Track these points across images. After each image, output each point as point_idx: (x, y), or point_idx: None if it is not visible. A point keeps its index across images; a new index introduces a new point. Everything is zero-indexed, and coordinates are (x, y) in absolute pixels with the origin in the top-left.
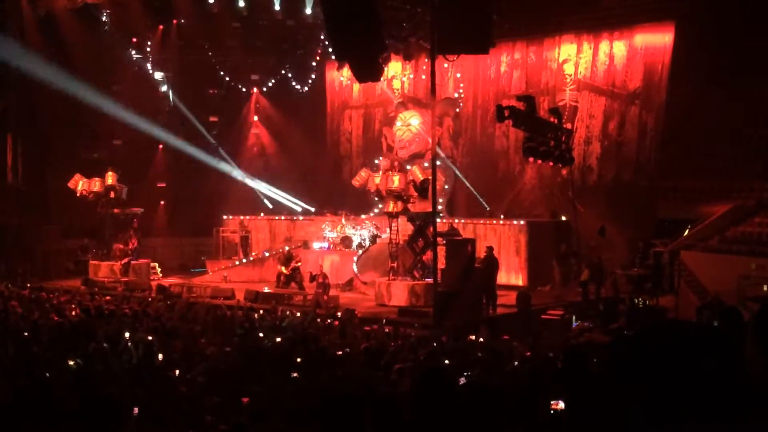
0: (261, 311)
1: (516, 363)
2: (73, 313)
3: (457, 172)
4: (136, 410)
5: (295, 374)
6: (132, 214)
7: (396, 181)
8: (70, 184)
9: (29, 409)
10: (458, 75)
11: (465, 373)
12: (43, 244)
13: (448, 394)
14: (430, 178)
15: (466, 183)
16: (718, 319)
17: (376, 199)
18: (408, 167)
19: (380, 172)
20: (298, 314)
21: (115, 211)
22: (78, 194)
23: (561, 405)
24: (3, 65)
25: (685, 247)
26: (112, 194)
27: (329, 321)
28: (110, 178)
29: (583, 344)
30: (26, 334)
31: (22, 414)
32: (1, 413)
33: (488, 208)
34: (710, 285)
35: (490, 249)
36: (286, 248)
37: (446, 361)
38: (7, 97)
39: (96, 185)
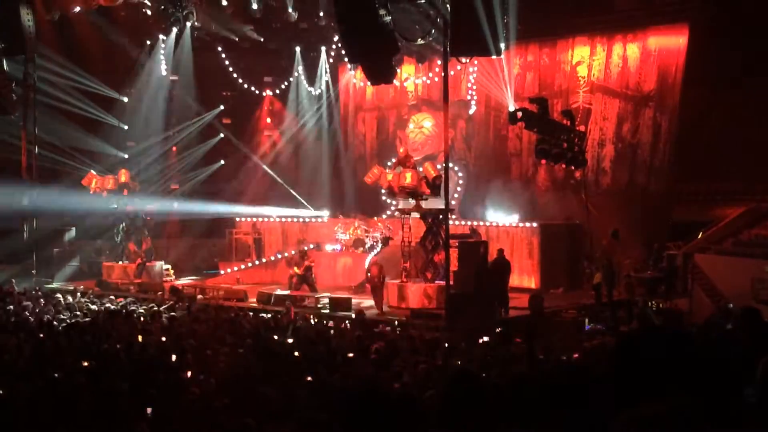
0: (273, 313)
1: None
2: (88, 314)
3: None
4: (149, 410)
5: (309, 378)
6: (145, 212)
7: (408, 177)
8: (84, 182)
9: (44, 410)
10: (471, 77)
11: (482, 375)
12: (56, 246)
13: (478, 397)
14: (442, 174)
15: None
16: (739, 319)
17: (388, 200)
18: (420, 168)
19: (392, 169)
20: (311, 316)
21: (128, 208)
22: (92, 191)
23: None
24: (19, 68)
25: (698, 249)
26: (126, 191)
27: (340, 323)
28: (123, 175)
29: (597, 346)
30: (41, 335)
31: (37, 414)
32: (16, 413)
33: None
34: (724, 288)
35: (500, 251)
36: (304, 248)
37: (458, 362)
38: (22, 98)
39: (109, 183)
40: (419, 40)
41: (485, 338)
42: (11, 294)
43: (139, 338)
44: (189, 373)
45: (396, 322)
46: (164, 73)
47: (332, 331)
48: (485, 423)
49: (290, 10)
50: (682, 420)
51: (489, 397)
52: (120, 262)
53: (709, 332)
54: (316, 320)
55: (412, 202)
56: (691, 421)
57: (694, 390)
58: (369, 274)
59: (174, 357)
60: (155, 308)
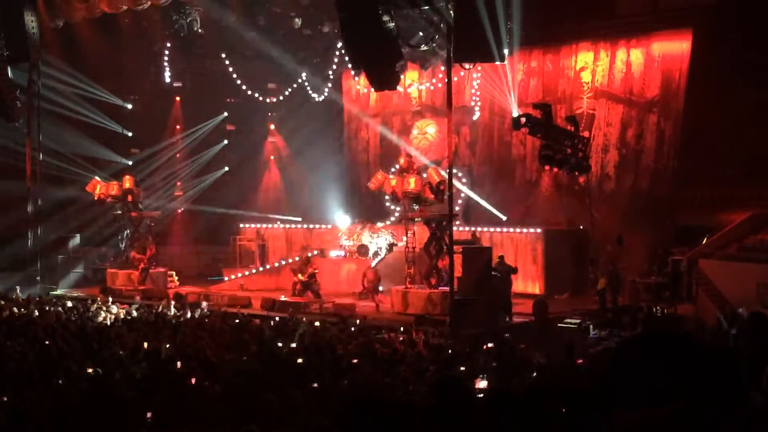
0: (277, 319)
1: (534, 371)
2: (91, 321)
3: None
4: (149, 415)
5: (314, 385)
6: (149, 218)
7: (412, 183)
8: (88, 188)
9: (47, 416)
10: (475, 83)
11: (482, 375)
12: (61, 252)
13: (463, 401)
14: (446, 179)
15: (477, 197)
16: (746, 324)
17: (392, 207)
18: (424, 174)
19: (396, 175)
20: (316, 323)
21: (133, 214)
22: (96, 198)
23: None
24: (24, 75)
25: (703, 255)
26: (130, 198)
27: (345, 329)
28: (127, 181)
29: (601, 352)
30: (47, 342)
31: (41, 420)
32: (20, 420)
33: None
34: (729, 293)
35: (501, 258)
36: (307, 254)
37: (462, 368)
38: (27, 105)
39: (114, 189)
40: (423, 46)
41: (490, 344)
42: (16, 301)
43: (145, 345)
44: (193, 380)
45: (401, 329)
46: (168, 80)
47: (336, 338)
48: (474, 428)
49: (296, 20)
50: (682, 425)
51: (477, 402)
52: (124, 269)
53: (713, 337)
54: (320, 327)
55: (416, 207)
56: (691, 427)
57: (697, 395)
58: (366, 279)
59: (179, 363)
60: (160, 315)
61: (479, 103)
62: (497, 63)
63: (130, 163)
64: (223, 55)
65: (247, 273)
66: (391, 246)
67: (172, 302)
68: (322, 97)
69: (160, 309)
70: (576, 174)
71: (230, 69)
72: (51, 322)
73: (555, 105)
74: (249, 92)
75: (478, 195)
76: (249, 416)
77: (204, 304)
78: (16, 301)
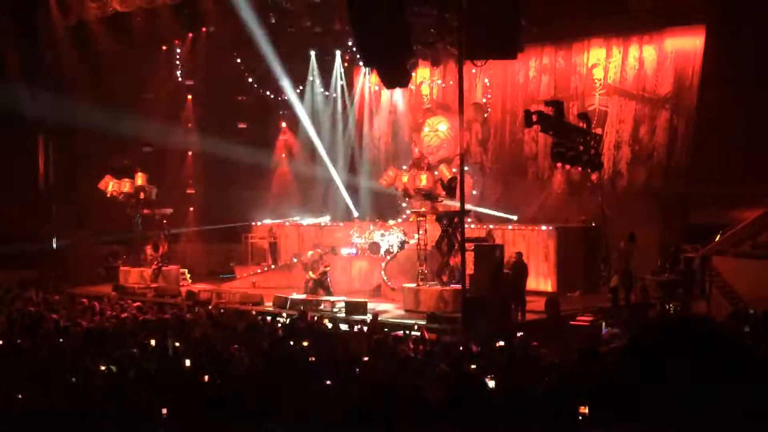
0: (287, 317)
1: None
2: (105, 318)
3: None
4: (165, 411)
5: (327, 382)
6: (161, 215)
7: (423, 179)
8: (101, 185)
9: (61, 414)
10: (486, 80)
11: (491, 375)
12: (74, 250)
13: (480, 399)
14: (457, 176)
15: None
16: (759, 322)
17: (404, 204)
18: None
19: (408, 172)
20: (327, 320)
21: (145, 211)
22: (108, 195)
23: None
24: (35, 72)
25: (716, 252)
26: (142, 195)
27: (357, 327)
28: (140, 178)
29: (610, 350)
30: (61, 340)
31: (54, 418)
32: (33, 418)
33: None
34: (743, 291)
35: (519, 255)
36: (317, 251)
37: (473, 366)
38: (39, 103)
39: (126, 186)
40: (434, 43)
41: (501, 342)
42: (30, 298)
43: (153, 342)
44: (206, 377)
45: (415, 326)
46: (180, 78)
47: (349, 335)
48: (489, 423)
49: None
50: None
51: (496, 400)
52: (137, 267)
53: (726, 334)
54: (332, 324)
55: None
56: None
57: (709, 375)
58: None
59: (188, 362)
60: (173, 312)
61: (491, 100)
62: (509, 60)
63: (143, 160)
64: (235, 53)
65: (259, 271)
66: (402, 243)
67: (185, 300)
68: (334, 94)
69: (172, 307)
70: (588, 171)
71: (241, 67)
72: (64, 320)
73: (567, 102)
74: (260, 90)
75: (490, 192)
76: (260, 414)
77: (216, 301)
78: (29, 298)
